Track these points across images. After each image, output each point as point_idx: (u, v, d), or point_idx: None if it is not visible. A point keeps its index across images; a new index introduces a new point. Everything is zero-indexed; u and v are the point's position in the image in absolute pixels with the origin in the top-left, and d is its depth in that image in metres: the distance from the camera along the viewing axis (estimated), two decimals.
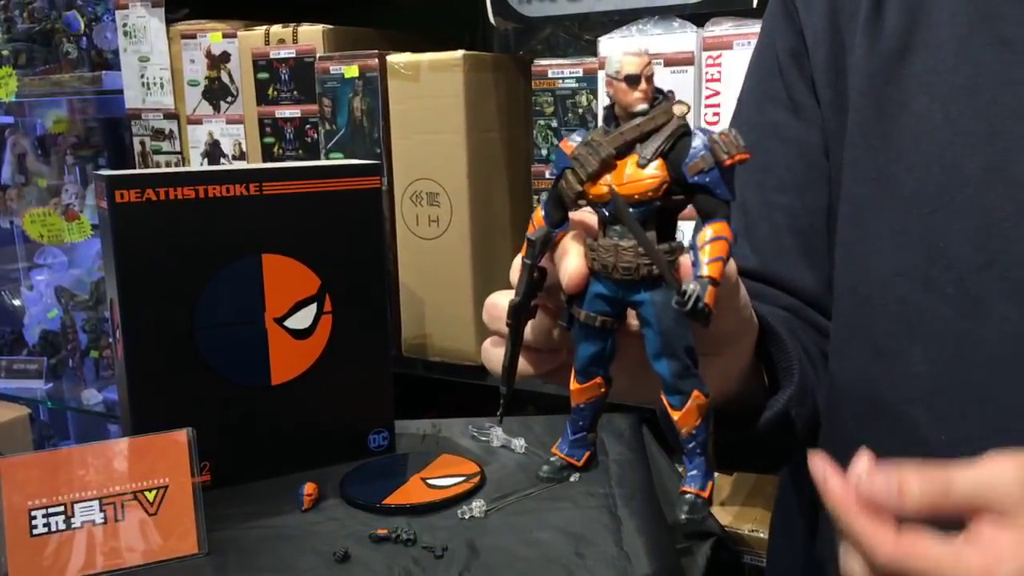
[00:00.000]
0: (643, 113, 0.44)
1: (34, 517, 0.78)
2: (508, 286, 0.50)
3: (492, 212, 1.31)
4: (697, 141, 0.43)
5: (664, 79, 1.09)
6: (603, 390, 0.50)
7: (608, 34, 1.13)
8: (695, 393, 0.46)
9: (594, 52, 1.17)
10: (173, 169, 1.47)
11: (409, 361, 1.36)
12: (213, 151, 1.54)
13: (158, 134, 1.60)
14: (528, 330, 0.50)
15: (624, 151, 0.44)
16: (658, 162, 0.44)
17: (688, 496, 0.47)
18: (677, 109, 0.44)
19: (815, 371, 0.67)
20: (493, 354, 0.52)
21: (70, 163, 2.06)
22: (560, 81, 1.21)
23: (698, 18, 1.10)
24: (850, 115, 0.63)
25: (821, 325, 0.69)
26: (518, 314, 0.49)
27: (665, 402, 0.47)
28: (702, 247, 0.43)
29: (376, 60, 1.30)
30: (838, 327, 0.66)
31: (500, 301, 0.50)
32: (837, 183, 0.65)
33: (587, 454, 0.53)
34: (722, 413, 0.51)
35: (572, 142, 0.46)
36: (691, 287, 0.42)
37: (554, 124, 1.22)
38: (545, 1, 1.19)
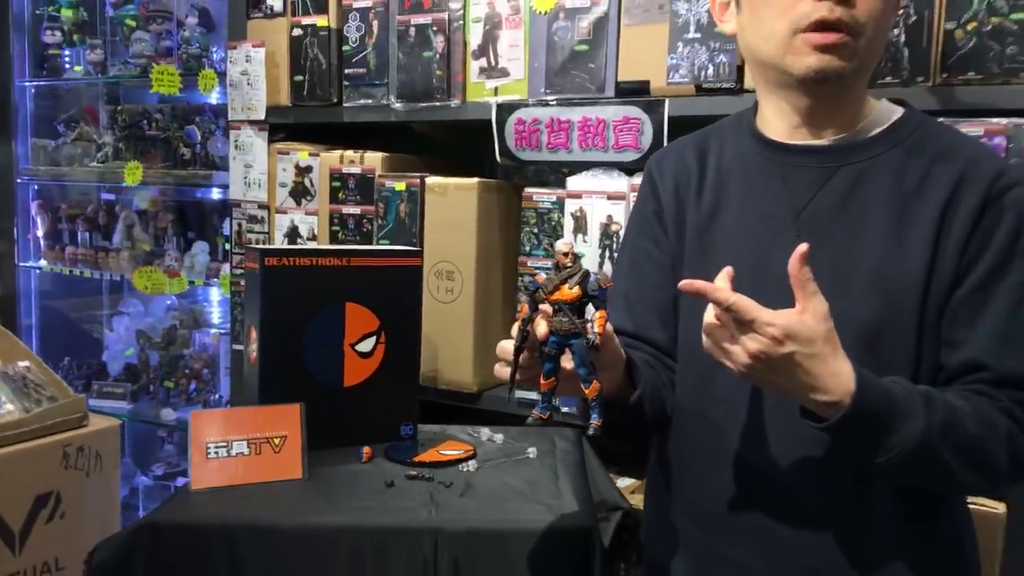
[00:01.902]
0: (568, 266, 0.92)
1: (208, 447, 1.24)
2: (498, 339, 0.97)
3: (490, 287, 1.78)
4: (592, 278, 0.91)
5: (606, 207, 1.59)
6: (555, 384, 0.94)
7: (573, 176, 1.65)
8: (594, 382, 0.93)
9: (563, 185, 1.67)
10: (299, 246, 1.90)
11: (424, 388, 1.81)
12: (292, 234, 2.03)
13: (252, 219, 2.09)
14: (521, 358, 0.94)
15: (562, 282, 0.92)
16: (577, 287, 0.91)
17: (593, 421, 0.93)
18: (582, 264, 0.93)
19: (663, 390, 1.12)
20: (500, 371, 0.97)
21: (169, 234, 2.54)
22: (541, 202, 1.71)
23: (630, 171, 1.61)
24: (685, 248, 1.11)
25: (670, 365, 1.14)
26: (518, 351, 0.95)
27: (581, 387, 0.93)
28: (594, 319, 0.91)
29: (418, 180, 1.80)
30: (679, 365, 1.13)
31: (507, 345, 0.95)
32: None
33: (548, 415, 0.98)
34: (608, 402, 0.97)
35: (541, 275, 0.94)
36: (592, 336, 0.90)
37: (535, 231, 1.71)
38: (533, 150, 1.70)
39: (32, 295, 2.85)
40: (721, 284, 0.87)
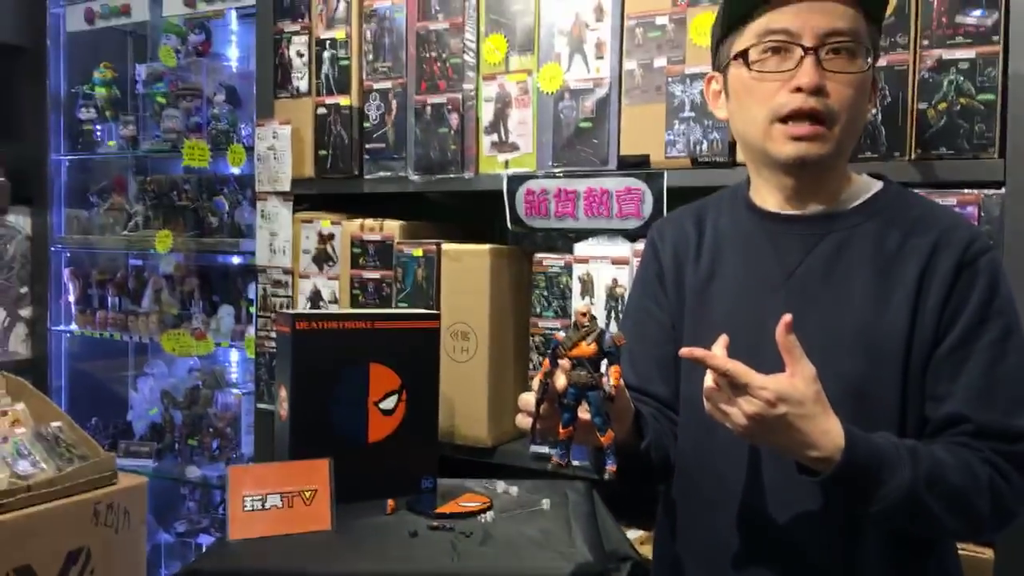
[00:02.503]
0: (586, 325, 1.01)
1: (245, 500, 1.32)
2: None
3: (503, 347, 1.87)
4: (607, 336, 1.01)
5: (611, 271, 1.69)
6: (572, 432, 1.03)
7: (580, 242, 1.75)
8: (609, 432, 1.01)
9: (571, 250, 1.77)
10: (327, 311, 2.00)
11: (441, 443, 1.88)
12: (315, 298, 2.13)
13: (277, 283, 2.19)
14: (541, 409, 1.03)
15: (580, 339, 1.01)
16: (594, 344, 1.00)
17: (609, 467, 1.01)
18: (598, 323, 1.02)
19: (666, 439, 1.21)
20: (522, 421, 1.06)
21: (195, 298, 2.64)
22: (550, 267, 1.80)
23: (632, 237, 1.71)
24: (685, 308, 1.20)
25: (672, 417, 1.22)
26: (539, 403, 1.04)
27: (597, 435, 1.02)
28: (610, 373, 1.00)
29: (434, 246, 1.90)
30: (681, 417, 1.21)
31: (529, 397, 1.04)
32: (679, 342, 1.21)
33: (567, 462, 1.06)
34: (619, 450, 1.05)
35: (561, 334, 1.03)
36: (607, 389, 0.99)
37: (545, 293, 1.81)
38: (543, 218, 1.80)
39: (62, 357, 2.95)
40: (718, 351, 0.95)
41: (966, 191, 1.38)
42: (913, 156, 1.43)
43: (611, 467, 1.00)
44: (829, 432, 0.93)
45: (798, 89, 1.04)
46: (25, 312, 2.88)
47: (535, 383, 1.02)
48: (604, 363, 1.00)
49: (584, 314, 1.01)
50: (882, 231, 1.09)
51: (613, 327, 1.67)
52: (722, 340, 0.97)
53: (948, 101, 1.39)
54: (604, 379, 0.99)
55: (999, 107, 1.36)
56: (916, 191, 1.38)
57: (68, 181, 2.95)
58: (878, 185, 1.15)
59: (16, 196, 2.82)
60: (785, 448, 0.96)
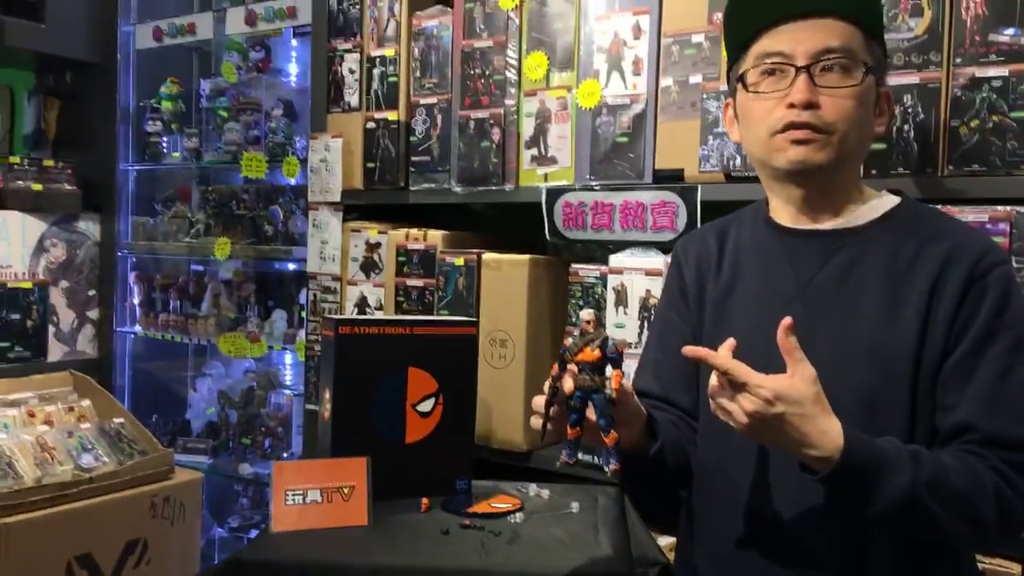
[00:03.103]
0: (591, 332, 1.05)
1: (287, 495, 1.38)
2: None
3: (539, 354, 1.91)
4: (610, 342, 1.04)
5: (645, 282, 1.72)
6: (580, 433, 1.08)
7: (615, 254, 1.78)
8: (612, 432, 1.05)
9: (606, 261, 1.80)
10: (368, 317, 2.06)
11: (479, 447, 1.93)
12: (362, 304, 2.19)
13: (326, 289, 2.27)
14: (551, 411, 1.07)
15: (585, 345, 1.05)
16: (598, 350, 1.04)
17: (612, 466, 1.05)
18: (604, 331, 1.06)
19: (688, 446, 1.22)
20: (535, 422, 1.09)
21: (251, 302, 2.74)
22: (586, 277, 1.84)
23: (666, 250, 1.73)
24: (705, 319, 1.23)
25: (694, 425, 1.25)
26: (548, 405, 1.08)
27: (602, 436, 1.05)
28: (611, 377, 1.03)
29: (475, 256, 1.95)
30: (700, 424, 1.23)
31: (540, 400, 1.07)
32: None
33: (574, 461, 1.10)
34: (631, 454, 1.09)
35: (568, 340, 1.07)
36: (609, 392, 1.02)
37: (581, 303, 1.84)
38: (580, 229, 1.84)
39: (126, 357, 3.07)
40: (723, 352, 0.98)
41: (998, 207, 1.37)
42: (945, 172, 1.42)
43: (614, 466, 1.04)
44: (828, 432, 0.95)
45: (791, 105, 1.08)
46: (93, 314, 3.01)
47: (546, 387, 1.06)
48: (608, 368, 1.03)
49: (589, 322, 1.05)
50: (896, 245, 1.10)
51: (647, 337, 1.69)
52: (728, 343, 0.99)
53: (980, 118, 1.39)
54: (608, 382, 1.03)
55: None
56: (946, 207, 1.39)
57: (135, 190, 3.08)
58: (895, 200, 1.17)
59: (87, 204, 2.95)
60: (785, 446, 0.98)
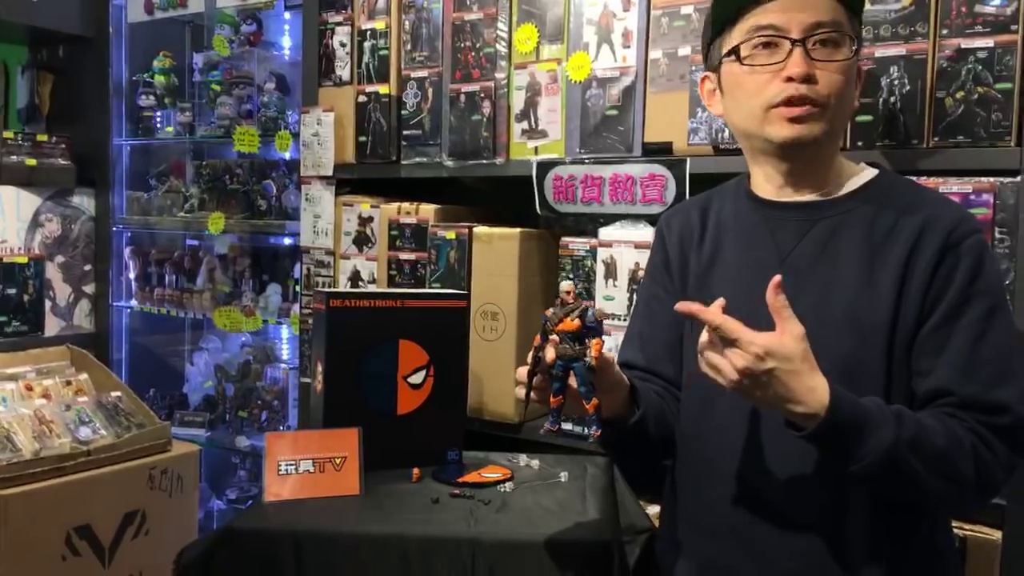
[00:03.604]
0: (571, 303, 1.06)
1: (280, 465, 1.40)
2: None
3: (530, 327, 1.92)
4: (590, 312, 1.05)
5: (634, 255, 1.73)
6: (563, 401, 1.09)
7: (604, 227, 1.79)
8: (593, 400, 1.06)
9: (596, 234, 1.81)
10: (360, 290, 2.08)
11: (471, 419, 1.95)
12: (355, 278, 2.20)
13: (319, 264, 2.27)
14: (534, 380, 1.09)
15: (566, 315, 1.06)
16: (577, 319, 1.06)
17: (593, 431, 1.07)
18: (584, 302, 1.07)
19: (671, 416, 1.24)
20: (519, 391, 1.10)
21: (246, 277, 2.75)
22: (576, 250, 1.85)
23: (655, 223, 1.73)
24: (688, 291, 1.24)
25: (679, 396, 1.26)
26: (531, 374, 1.09)
27: (583, 403, 1.07)
28: (592, 345, 1.04)
29: (466, 229, 1.96)
30: (683, 394, 1.25)
31: (523, 369, 1.09)
32: (683, 324, 1.25)
33: (557, 428, 1.11)
34: (614, 422, 1.10)
35: (550, 311, 1.08)
36: (588, 359, 1.03)
37: (571, 276, 1.85)
38: (570, 203, 1.84)
39: (123, 332, 3.08)
40: (714, 309, 0.99)
41: (982, 179, 1.38)
42: (931, 144, 1.43)
43: (595, 432, 1.07)
44: (815, 389, 0.97)
45: (789, 79, 1.09)
46: (88, 288, 3.02)
47: (529, 357, 1.08)
48: (588, 337, 1.05)
49: (568, 292, 1.07)
50: (873, 217, 1.12)
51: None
52: (719, 301, 1.00)
53: (966, 90, 1.39)
54: (588, 351, 1.04)
55: (1016, 96, 1.36)
56: (931, 178, 1.40)
57: (129, 165, 3.07)
58: (872, 173, 1.18)
59: (81, 179, 2.95)
60: (772, 403, 0.98)
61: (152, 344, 3.25)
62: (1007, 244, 1.36)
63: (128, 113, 3.03)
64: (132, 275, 3.04)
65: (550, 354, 1.04)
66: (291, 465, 1.40)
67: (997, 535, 1.37)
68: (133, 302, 3.03)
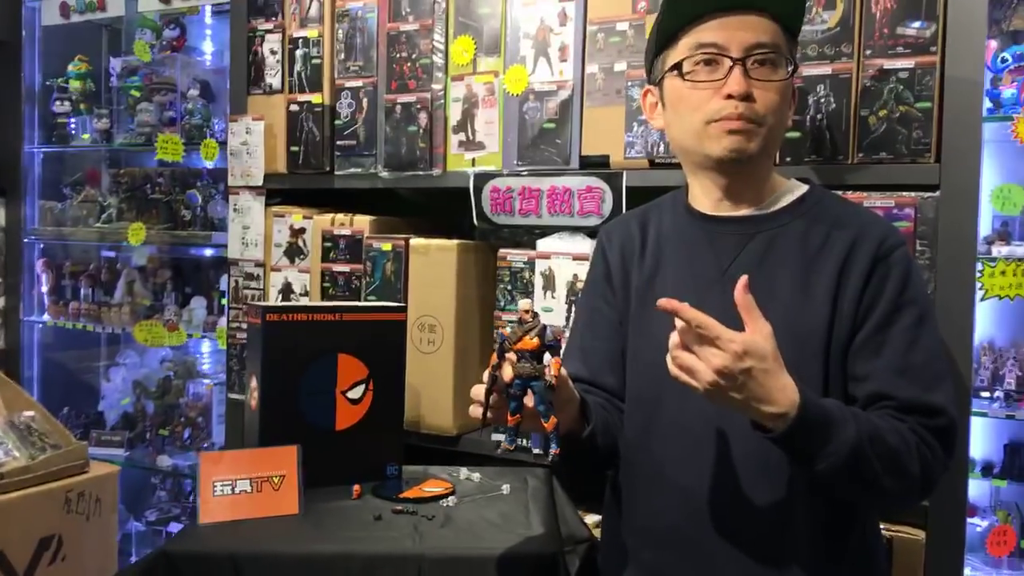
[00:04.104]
0: (529, 321, 1.06)
1: (215, 485, 1.35)
2: (476, 383, 1.11)
3: (468, 338, 1.91)
4: (549, 330, 1.06)
5: (572, 266, 1.74)
6: (520, 420, 1.08)
7: (542, 239, 1.80)
8: (552, 418, 1.07)
9: (533, 246, 1.82)
10: (297, 303, 2.01)
11: (407, 432, 1.92)
12: (286, 290, 2.16)
13: (248, 276, 2.21)
14: (491, 399, 1.07)
15: (524, 334, 1.06)
16: (536, 338, 1.05)
17: (552, 450, 1.07)
18: (541, 320, 1.07)
19: (615, 428, 1.26)
20: (474, 411, 1.09)
21: (168, 289, 2.66)
22: (514, 262, 1.85)
23: (593, 235, 1.76)
24: (631, 303, 1.26)
25: (621, 407, 1.28)
26: (488, 393, 1.08)
27: (542, 421, 1.07)
28: (551, 364, 1.05)
29: (403, 241, 1.94)
30: (628, 405, 1.26)
31: (479, 388, 1.08)
32: (625, 336, 1.28)
33: (514, 446, 1.11)
34: (565, 436, 1.11)
35: (507, 330, 1.08)
36: (548, 379, 1.04)
37: (509, 287, 1.85)
38: (507, 215, 1.85)
39: (34, 348, 2.94)
40: (688, 311, 0.98)
41: (904, 194, 1.45)
42: (855, 160, 1.49)
43: (554, 450, 1.06)
44: (785, 388, 0.98)
45: (729, 96, 1.12)
46: None
47: (485, 376, 1.07)
48: (547, 356, 1.05)
49: (527, 311, 1.06)
50: (807, 230, 1.17)
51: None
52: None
53: (888, 108, 1.46)
54: (547, 370, 1.04)
55: (936, 114, 1.43)
56: (856, 193, 1.46)
57: (42, 173, 2.94)
58: (804, 188, 1.23)
59: None
60: (744, 404, 0.98)
61: (65, 360, 3.11)
62: (927, 256, 1.42)
63: (41, 119, 2.90)
64: (44, 288, 2.91)
65: (507, 372, 1.03)
66: (227, 485, 1.36)
67: (921, 535, 1.43)
68: (46, 317, 2.89)
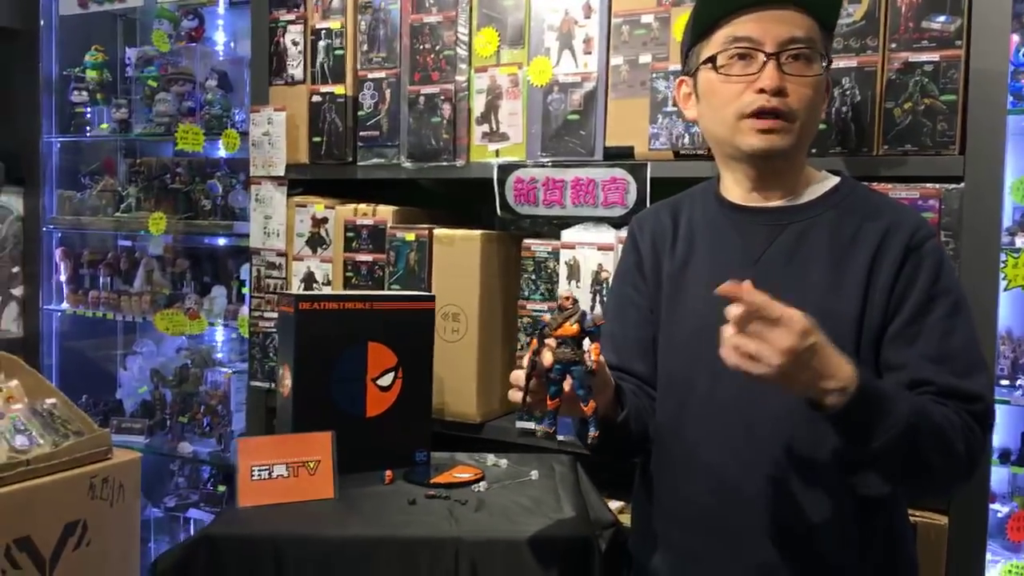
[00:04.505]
0: (569, 308, 1.09)
1: (253, 470, 1.38)
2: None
3: (492, 327, 1.94)
4: (588, 317, 1.08)
5: (597, 256, 1.77)
6: (559, 404, 1.11)
7: (566, 229, 1.82)
8: (591, 402, 1.09)
9: (556, 236, 1.84)
10: (330, 292, 2.03)
11: (432, 419, 1.96)
12: (308, 280, 2.18)
13: (270, 265, 2.24)
14: (530, 383, 1.09)
15: (564, 320, 1.08)
16: (576, 324, 1.08)
17: (591, 434, 1.10)
18: (581, 306, 1.10)
19: (645, 413, 1.28)
20: (514, 395, 1.11)
21: (187, 278, 2.68)
22: (538, 252, 1.87)
23: (617, 225, 1.78)
24: (662, 292, 1.28)
25: (651, 394, 1.30)
26: (528, 377, 1.10)
27: (581, 405, 1.09)
28: (590, 350, 1.07)
29: (426, 231, 1.96)
30: (659, 392, 1.29)
31: (519, 373, 1.10)
32: (656, 324, 1.30)
33: (553, 430, 1.14)
34: (601, 420, 1.13)
35: (547, 316, 1.10)
36: (588, 364, 1.06)
37: (533, 277, 1.88)
38: (531, 205, 1.87)
39: (53, 336, 2.97)
40: (751, 290, 0.96)
41: (928, 185, 1.47)
42: (880, 152, 1.51)
43: (593, 434, 1.09)
44: (842, 363, 0.99)
45: (762, 90, 1.14)
46: (17, 291, 2.89)
47: (525, 360, 1.09)
48: (586, 341, 1.07)
49: (567, 298, 1.09)
50: (838, 221, 1.19)
51: (599, 309, 1.74)
52: (747, 283, 0.97)
53: (913, 101, 1.48)
54: (586, 355, 1.07)
55: (960, 107, 1.45)
56: (881, 184, 1.48)
57: (60, 163, 2.96)
58: (835, 180, 1.25)
59: (9, 177, 2.83)
60: (809, 383, 0.98)
61: (83, 349, 3.14)
62: (952, 247, 1.45)
63: (58, 109, 2.91)
64: (63, 277, 2.93)
65: (548, 358, 1.06)
66: (264, 470, 1.39)
67: (944, 520, 1.46)
68: (65, 305, 2.92)
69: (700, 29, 1.21)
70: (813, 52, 1.16)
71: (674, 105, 1.69)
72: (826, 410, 1.00)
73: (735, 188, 1.26)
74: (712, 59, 1.18)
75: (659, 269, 1.31)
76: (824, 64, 1.18)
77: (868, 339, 1.14)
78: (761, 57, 1.14)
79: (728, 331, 0.97)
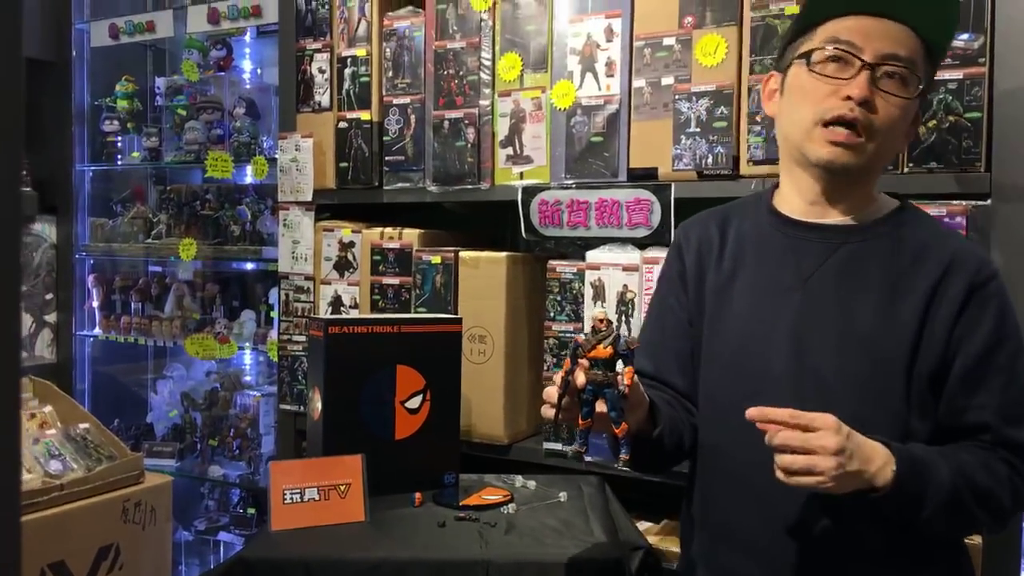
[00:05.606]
0: (603, 330, 1.10)
1: (286, 493, 1.41)
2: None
3: (518, 349, 1.96)
4: (622, 340, 1.09)
5: (622, 277, 1.78)
6: (591, 424, 1.12)
7: (591, 250, 1.84)
8: (623, 423, 1.10)
9: (581, 257, 1.86)
10: (357, 315, 2.07)
11: (459, 442, 1.98)
12: (336, 303, 2.21)
13: (298, 289, 2.28)
14: (563, 402, 1.10)
15: (598, 342, 1.09)
16: (610, 347, 1.09)
17: (623, 455, 1.10)
18: (613, 327, 1.11)
19: (681, 426, 1.28)
20: (546, 411, 1.12)
21: (217, 303, 2.73)
22: (563, 273, 1.89)
23: (642, 245, 1.80)
24: (705, 305, 1.27)
25: (688, 407, 1.29)
26: (560, 397, 1.12)
27: (614, 427, 1.10)
28: (624, 373, 1.08)
29: (452, 254, 1.99)
30: (701, 409, 1.27)
31: (552, 391, 1.10)
32: (698, 339, 1.29)
33: (585, 449, 1.15)
34: (635, 437, 1.14)
35: (581, 336, 1.12)
36: (621, 388, 1.07)
37: (559, 298, 1.89)
38: (556, 227, 1.89)
39: (86, 361, 3.02)
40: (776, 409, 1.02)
41: (955, 202, 1.47)
42: (906, 169, 1.52)
43: (624, 456, 1.10)
44: (869, 442, 1.02)
45: (848, 98, 1.10)
46: (51, 318, 2.96)
47: (557, 379, 1.10)
48: (619, 364, 1.08)
49: (602, 320, 1.10)
50: (895, 247, 1.16)
51: (624, 330, 1.75)
52: (774, 408, 1.03)
53: (938, 119, 1.48)
54: (619, 378, 1.08)
55: (985, 125, 1.45)
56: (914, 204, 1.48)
57: (92, 191, 3.03)
58: (895, 203, 1.22)
59: (42, 205, 2.90)
60: (857, 475, 1.01)
61: (114, 373, 3.19)
62: None
63: (89, 138, 2.98)
64: (96, 303, 2.99)
65: (580, 379, 1.07)
66: (296, 493, 1.41)
67: (978, 540, 1.45)
68: (97, 331, 2.97)
69: (804, 24, 1.17)
70: (911, 75, 1.12)
71: (696, 126, 1.70)
72: (881, 490, 1.02)
73: (794, 199, 1.22)
74: (808, 55, 1.15)
75: (702, 281, 1.28)
76: (920, 87, 1.13)
77: (922, 372, 1.11)
78: (857, 64, 1.11)
79: (780, 459, 1.01)
